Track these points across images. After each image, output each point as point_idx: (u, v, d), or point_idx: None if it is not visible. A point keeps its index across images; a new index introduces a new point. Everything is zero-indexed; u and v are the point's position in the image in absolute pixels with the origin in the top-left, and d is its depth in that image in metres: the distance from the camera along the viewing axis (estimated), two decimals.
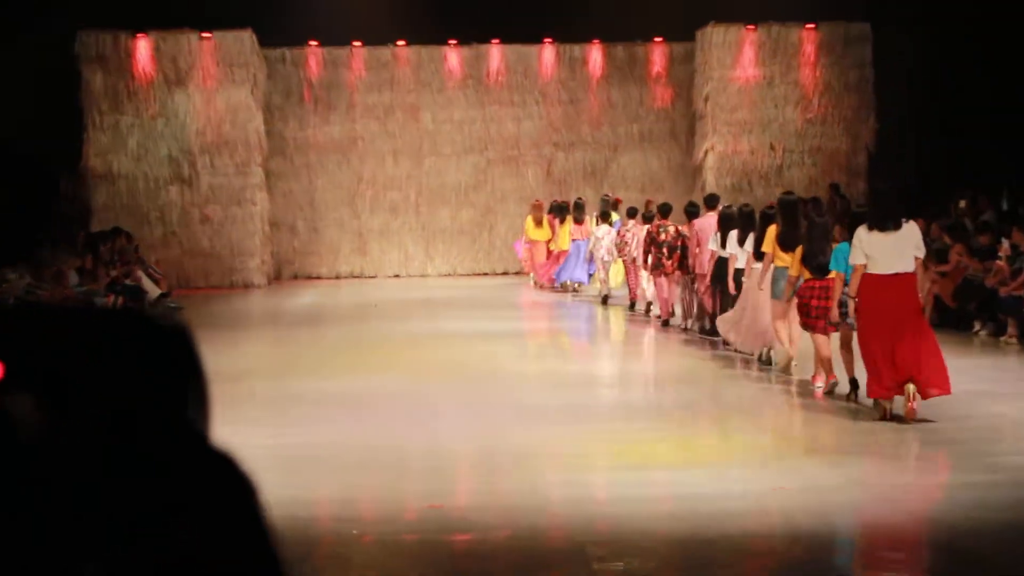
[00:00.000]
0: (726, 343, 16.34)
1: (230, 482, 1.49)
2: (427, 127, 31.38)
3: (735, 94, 29.26)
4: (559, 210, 26.72)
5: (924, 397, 11.23)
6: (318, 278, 31.10)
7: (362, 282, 30.54)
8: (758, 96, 29.20)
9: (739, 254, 15.61)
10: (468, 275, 31.19)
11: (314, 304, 24.99)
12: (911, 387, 11.18)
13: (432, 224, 31.78)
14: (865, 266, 11.37)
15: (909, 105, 29.23)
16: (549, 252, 26.64)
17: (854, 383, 12.61)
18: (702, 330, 18.02)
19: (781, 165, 29.59)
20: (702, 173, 29.92)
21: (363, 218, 31.73)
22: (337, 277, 31.44)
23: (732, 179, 29.64)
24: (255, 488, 1.51)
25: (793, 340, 13.99)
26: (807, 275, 12.76)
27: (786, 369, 14.39)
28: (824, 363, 12.99)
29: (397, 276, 31.64)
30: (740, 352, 15.74)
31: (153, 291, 24.16)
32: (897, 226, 11.27)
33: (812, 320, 12.90)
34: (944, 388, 11.17)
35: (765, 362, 14.92)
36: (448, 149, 31.49)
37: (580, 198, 26.72)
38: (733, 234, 15.96)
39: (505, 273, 31.03)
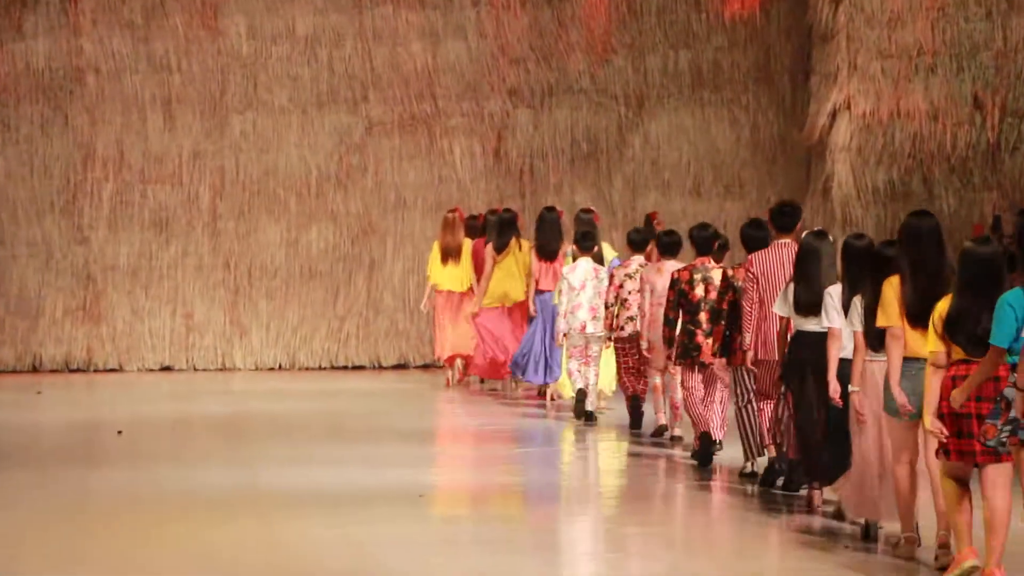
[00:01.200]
0: (837, 513, 10.85)
1: None
2: (235, 47, 23.17)
3: None
4: (499, 231, 19.45)
5: None
6: None
7: (91, 380, 23.39)
8: None
9: (846, 328, 10.32)
10: (321, 369, 23.64)
11: None
12: None
13: (243, 255, 23.71)
14: None
15: None
16: (478, 316, 19.59)
17: None
18: (768, 479, 12.05)
19: (996, 144, 21.22)
20: (824, 159, 21.68)
21: (95, 244, 23.58)
22: (34, 370, 23.82)
23: (888, 172, 21.43)
24: None
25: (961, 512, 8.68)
26: (957, 354, 8.37)
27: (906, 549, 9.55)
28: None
29: (168, 369, 23.95)
30: (843, 521, 10.78)
31: None
32: None
33: (969, 445, 8.29)
34: None
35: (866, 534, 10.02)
36: (283, 97, 23.39)
37: (551, 208, 19.33)
38: (836, 292, 10.35)
39: (403, 366, 23.71)
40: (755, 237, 12.41)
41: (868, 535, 9.84)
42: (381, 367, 22.96)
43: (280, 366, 23.11)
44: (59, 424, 18.04)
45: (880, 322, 9.18)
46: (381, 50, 22.60)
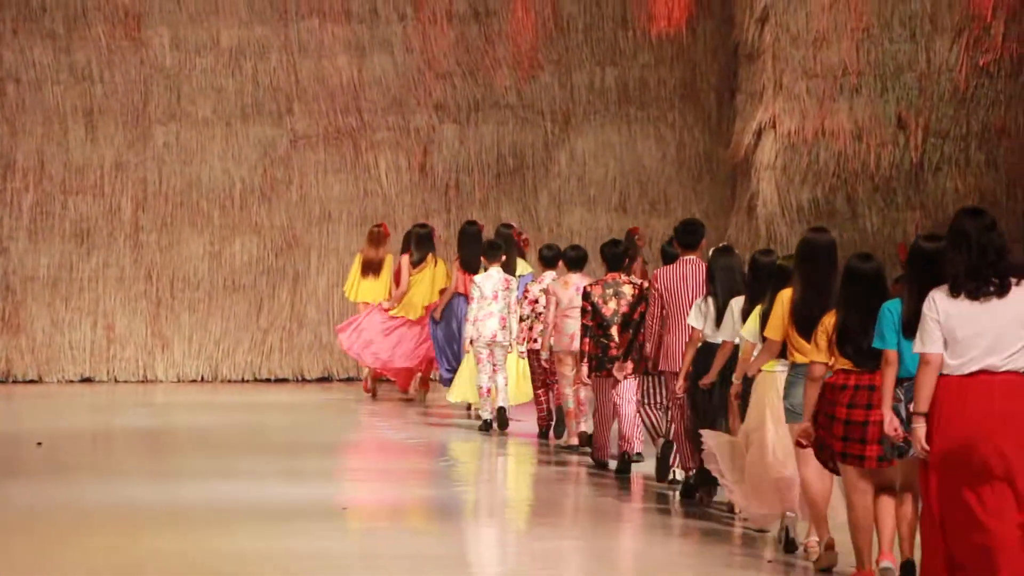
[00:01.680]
0: (732, 509, 11.50)
1: None
2: (158, 58, 23.12)
3: (822, 12, 21.59)
4: (416, 246, 19.73)
5: None
6: None
7: (10, 391, 23.20)
8: (871, 17, 21.66)
9: (747, 340, 10.89)
10: (244, 382, 23.37)
11: None
12: None
13: (166, 267, 23.63)
14: (942, 358, 7.81)
15: None
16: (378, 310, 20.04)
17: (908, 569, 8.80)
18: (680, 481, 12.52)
19: (919, 164, 21.33)
20: (749, 177, 21.63)
21: (14, 254, 23.57)
22: None
23: (813, 191, 21.51)
24: None
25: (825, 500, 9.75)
26: (843, 364, 8.83)
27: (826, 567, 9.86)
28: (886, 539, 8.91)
29: (88, 381, 23.63)
30: (748, 527, 11.19)
31: None
32: (1003, 290, 7.63)
33: (853, 447, 8.79)
34: None
35: (787, 546, 10.15)
36: (207, 109, 23.32)
37: (472, 222, 19.69)
38: (737, 305, 10.85)
39: (326, 379, 23.45)
40: (672, 255, 12.81)
41: (788, 544, 9.95)
42: (305, 380, 22.87)
43: (203, 378, 22.96)
44: None
45: (766, 332, 9.56)
46: (306, 63, 22.49)
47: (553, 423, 15.68)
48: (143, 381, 22.99)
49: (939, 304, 7.50)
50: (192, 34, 22.56)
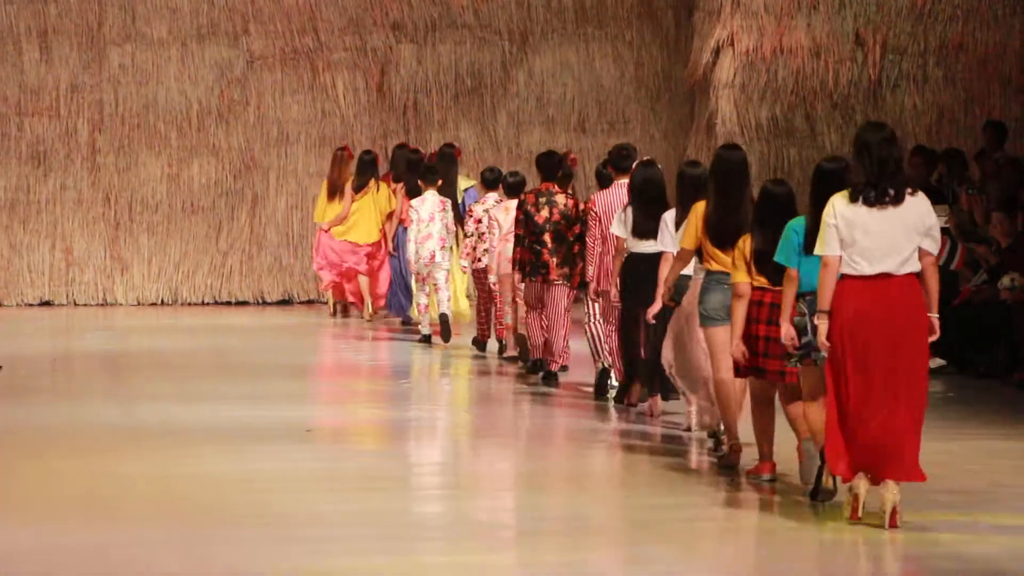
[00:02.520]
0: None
1: None
2: None
3: None
4: (359, 171, 19.82)
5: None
6: None
7: None
8: None
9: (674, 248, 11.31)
10: (204, 305, 23.14)
11: None
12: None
13: (124, 190, 23.19)
14: (840, 260, 8.43)
15: None
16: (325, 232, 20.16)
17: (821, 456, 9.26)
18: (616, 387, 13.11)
19: (877, 81, 21.21)
20: (709, 95, 21.43)
21: None
22: None
23: (771, 109, 21.26)
24: None
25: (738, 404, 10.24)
26: (759, 282, 9.33)
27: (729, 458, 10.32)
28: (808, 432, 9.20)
29: (48, 304, 23.40)
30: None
31: None
32: (898, 200, 8.21)
33: (760, 361, 9.41)
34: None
35: (714, 444, 10.86)
36: (163, 30, 22.81)
37: (415, 150, 19.89)
38: (670, 217, 11.11)
39: (287, 302, 23.17)
40: (608, 177, 13.26)
41: (717, 445, 10.50)
42: (265, 303, 22.56)
43: (163, 301, 22.55)
44: None
45: (681, 242, 10.06)
46: None
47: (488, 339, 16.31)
48: (102, 304, 22.69)
49: (838, 209, 8.00)
50: None
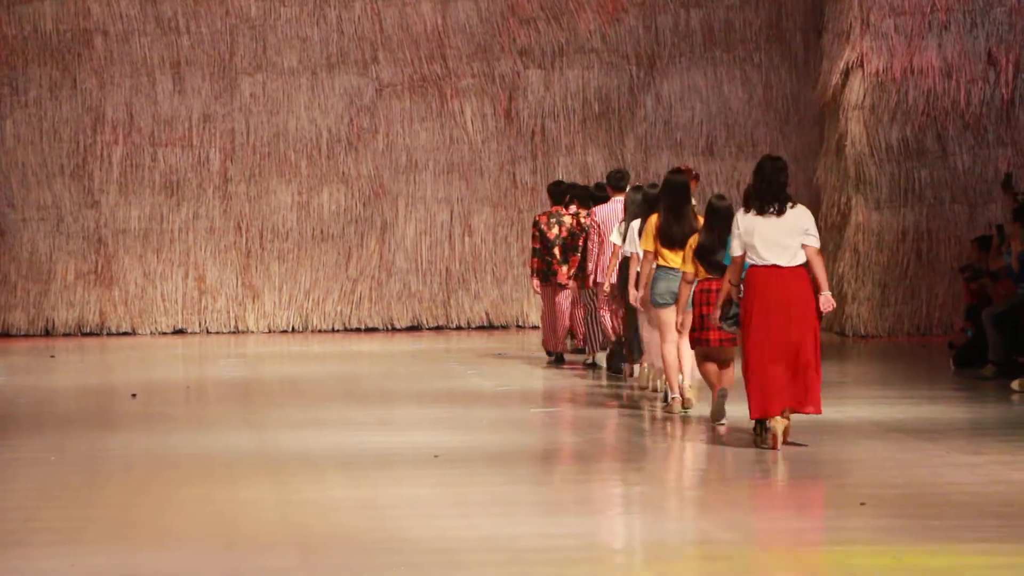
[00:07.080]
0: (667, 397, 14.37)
1: None
2: (243, 8, 22.81)
3: None
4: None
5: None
6: (5, 336, 23.79)
7: (104, 344, 23.00)
8: None
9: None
10: (334, 332, 23.28)
11: None
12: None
13: (255, 218, 23.34)
14: (744, 257, 11.68)
15: None
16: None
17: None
18: (609, 365, 16.97)
19: (1009, 100, 20.94)
20: (838, 117, 21.38)
21: (105, 207, 23.16)
22: (47, 334, 23.55)
23: (902, 130, 21.10)
24: None
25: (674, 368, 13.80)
26: (703, 274, 12.69)
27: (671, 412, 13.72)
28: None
29: (181, 332, 23.71)
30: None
31: None
32: (781, 211, 11.47)
33: (706, 335, 12.73)
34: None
35: (664, 397, 14.33)
36: (293, 59, 23.05)
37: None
38: (635, 225, 14.63)
39: (415, 328, 23.43)
40: (603, 197, 16.61)
41: (666, 399, 13.76)
42: (394, 329, 22.61)
43: (293, 329, 22.70)
44: (73, 388, 17.67)
45: (641, 245, 13.51)
46: (390, 11, 22.14)
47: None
48: (234, 332, 22.93)
49: (739, 221, 11.19)
50: None
